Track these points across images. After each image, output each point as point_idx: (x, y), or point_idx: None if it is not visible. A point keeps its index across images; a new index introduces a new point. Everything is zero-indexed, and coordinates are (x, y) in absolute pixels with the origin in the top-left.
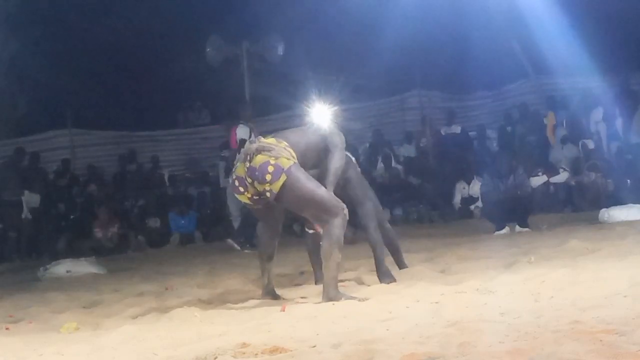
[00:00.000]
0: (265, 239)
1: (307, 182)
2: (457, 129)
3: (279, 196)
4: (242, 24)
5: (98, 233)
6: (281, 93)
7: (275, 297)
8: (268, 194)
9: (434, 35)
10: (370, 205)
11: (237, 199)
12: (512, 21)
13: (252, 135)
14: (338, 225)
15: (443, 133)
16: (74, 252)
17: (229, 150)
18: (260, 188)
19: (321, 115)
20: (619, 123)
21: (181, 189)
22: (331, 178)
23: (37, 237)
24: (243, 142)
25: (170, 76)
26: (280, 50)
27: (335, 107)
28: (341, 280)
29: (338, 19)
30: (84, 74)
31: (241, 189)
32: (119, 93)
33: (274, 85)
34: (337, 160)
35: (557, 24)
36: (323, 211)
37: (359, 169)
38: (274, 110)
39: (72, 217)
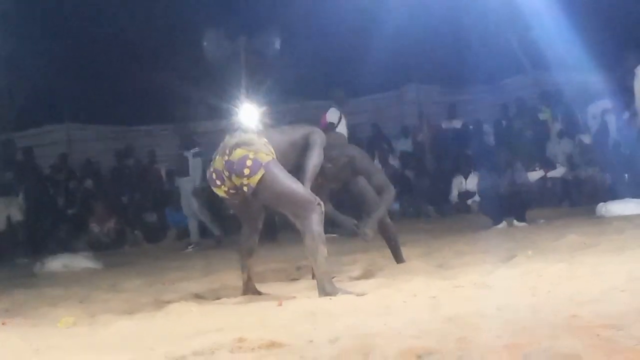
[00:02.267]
0: (244, 234)
1: (285, 178)
2: (458, 123)
3: (256, 191)
4: (240, 19)
5: (95, 228)
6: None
7: (256, 293)
8: (245, 188)
9: (432, 29)
10: (383, 174)
11: (191, 197)
12: (509, 15)
13: (342, 119)
14: (316, 221)
15: (444, 127)
16: (70, 247)
17: (195, 149)
18: (237, 182)
19: (249, 115)
20: (625, 116)
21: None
22: (308, 175)
23: (34, 233)
24: (332, 125)
25: (168, 71)
26: (277, 45)
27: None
28: (338, 275)
29: (335, 12)
30: (81, 69)
31: (218, 182)
32: (116, 88)
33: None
34: (315, 158)
35: (554, 18)
36: (300, 207)
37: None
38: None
39: (68, 212)
